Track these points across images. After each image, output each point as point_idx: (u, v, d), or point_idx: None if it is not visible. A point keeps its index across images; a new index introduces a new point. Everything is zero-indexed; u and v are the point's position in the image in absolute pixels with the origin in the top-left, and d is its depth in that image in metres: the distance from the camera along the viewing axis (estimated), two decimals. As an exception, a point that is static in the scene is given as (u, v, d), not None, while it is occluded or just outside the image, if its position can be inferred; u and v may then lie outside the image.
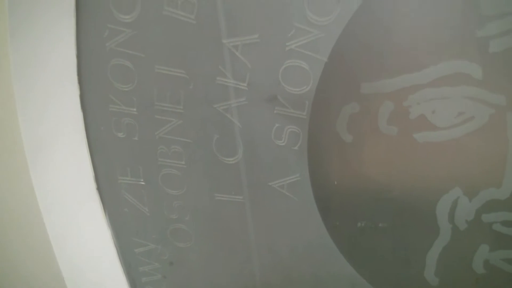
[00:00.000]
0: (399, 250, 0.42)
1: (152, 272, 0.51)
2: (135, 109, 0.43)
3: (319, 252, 0.44)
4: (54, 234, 0.43)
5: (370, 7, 0.34)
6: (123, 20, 0.39)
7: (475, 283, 0.40)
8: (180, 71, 0.40)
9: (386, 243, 0.42)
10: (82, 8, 0.40)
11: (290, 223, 0.43)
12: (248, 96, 0.39)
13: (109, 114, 0.43)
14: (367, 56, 0.36)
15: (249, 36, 0.37)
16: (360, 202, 0.41)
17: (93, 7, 0.40)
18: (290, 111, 0.39)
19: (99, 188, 0.47)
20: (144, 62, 0.40)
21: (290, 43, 0.36)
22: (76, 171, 0.45)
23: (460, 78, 0.35)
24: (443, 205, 0.39)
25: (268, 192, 0.42)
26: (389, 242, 0.42)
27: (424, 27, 0.34)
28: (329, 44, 0.36)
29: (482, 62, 0.34)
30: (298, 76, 0.37)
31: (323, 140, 0.40)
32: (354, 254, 0.43)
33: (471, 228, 0.39)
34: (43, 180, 0.42)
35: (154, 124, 0.42)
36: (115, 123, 0.44)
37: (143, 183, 0.46)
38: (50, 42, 0.40)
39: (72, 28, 0.41)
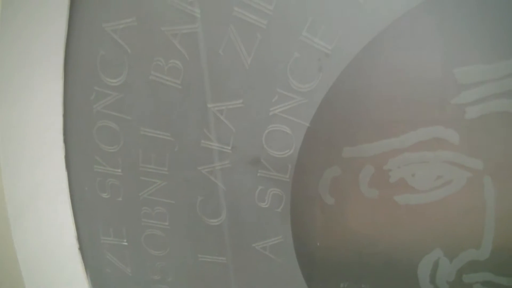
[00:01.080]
0: (382, 311, 0.42)
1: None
2: (120, 170, 0.43)
3: (302, 313, 0.43)
4: (34, 295, 0.42)
5: (350, 76, 0.35)
6: (110, 84, 0.40)
7: None
8: (165, 133, 0.40)
9: (369, 304, 0.42)
10: (70, 71, 0.41)
11: (273, 285, 0.43)
12: (232, 159, 0.40)
13: (94, 174, 0.43)
14: (348, 121, 0.37)
15: (233, 101, 0.38)
16: (343, 263, 0.41)
17: (80, 71, 0.40)
18: (273, 174, 0.39)
19: (81, 248, 0.47)
20: (130, 124, 0.41)
21: (273, 108, 0.37)
22: (58, 230, 0.44)
23: (438, 143, 0.36)
24: (424, 266, 0.40)
25: (251, 254, 0.42)
26: (372, 303, 0.42)
27: (403, 94, 0.35)
28: (311, 109, 0.37)
29: (459, 128, 0.35)
30: (281, 140, 0.38)
31: (305, 202, 0.40)
32: (337, 315, 0.43)
33: (452, 289, 0.40)
34: (25, 239, 0.41)
35: (139, 185, 0.43)
36: (100, 184, 0.44)
37: (126, 243, 0.46)
38: (37, 103, 0.40)
39: (59, 90, 0.41)
